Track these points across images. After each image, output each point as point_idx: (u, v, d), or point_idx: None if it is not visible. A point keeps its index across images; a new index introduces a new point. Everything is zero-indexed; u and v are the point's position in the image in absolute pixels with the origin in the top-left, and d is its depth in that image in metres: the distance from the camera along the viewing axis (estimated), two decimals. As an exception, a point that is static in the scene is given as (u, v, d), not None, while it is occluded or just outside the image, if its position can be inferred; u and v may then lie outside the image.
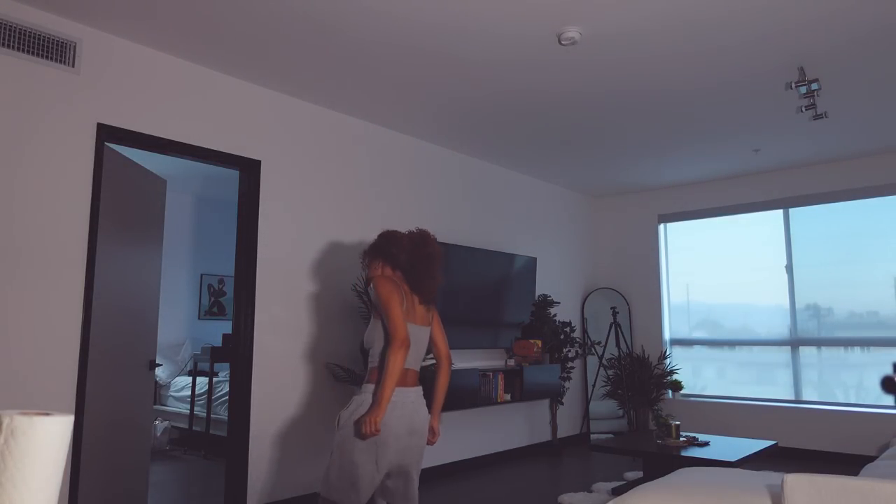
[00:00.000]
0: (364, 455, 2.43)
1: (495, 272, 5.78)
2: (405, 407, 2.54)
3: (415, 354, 2.64)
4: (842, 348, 5.97)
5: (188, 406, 6.18)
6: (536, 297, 6.29)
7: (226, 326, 7.36)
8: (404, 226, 5.13)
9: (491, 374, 5.42)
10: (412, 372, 2.63)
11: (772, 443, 4.41)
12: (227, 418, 4.53)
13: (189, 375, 6.47)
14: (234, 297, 4.15)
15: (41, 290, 3.20)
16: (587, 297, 7.20)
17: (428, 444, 2.71)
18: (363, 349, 3.87)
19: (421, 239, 2.76)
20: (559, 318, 6.70)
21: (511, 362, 5.90)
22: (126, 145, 3.64)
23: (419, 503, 4.33)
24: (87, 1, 3.18)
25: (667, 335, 7.00)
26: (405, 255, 2.71)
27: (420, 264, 2.69)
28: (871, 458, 5.46)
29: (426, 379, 4.68)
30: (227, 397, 5.59)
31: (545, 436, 6.34)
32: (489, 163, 6.08)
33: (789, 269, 6.31)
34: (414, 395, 2.60)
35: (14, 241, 3.14)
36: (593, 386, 6.91)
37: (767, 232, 6.48)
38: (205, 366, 6.03)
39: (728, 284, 6.70)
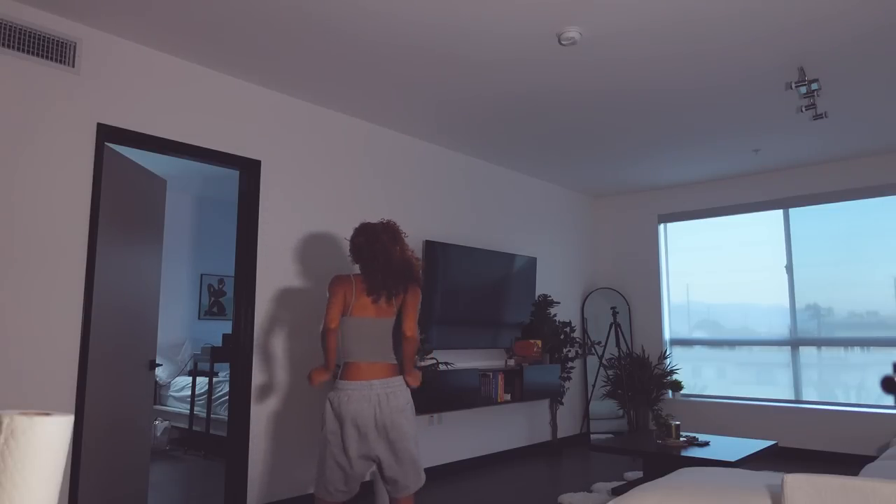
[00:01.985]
0: (331, 448, 2.65)
1: (495, 272, 5.78)
2: (369, 400, 2.63)
3: (369, 347, 2.73)
4: (842, 348, 5.97)
5: (188, 406, 6.17)
6: (536, 297, 6.29)
7: (226, 326, 7.35)
8: (405, 226, 5.11)
9: (491, 374, 5.42)
10: (375, 365, 2.72)
11: (772, 443, 4.41)
12: (227, 418, 4.53)
13: (189, 375, 6.47)
14: (234, 297, 4.14)
15: (41, 290, 3.20)
16: (587, 297, 7.20)
17: (412, 385, 2.88)
18: None
19: (370, 235, 2.87)
20: (559, 318, 6.70)
21: (511, 362, 5.90)
22: (126, 145, 3.64)
23: (419, 501, 4.34)
24: (87, 1, 3.18)
25: (667, 335, 7.00)
26: (361, 253, 2.87)
27: (373, 263, 2.82)
28: (871, 458, 5.46)
29: (425, 382, 4.69)
30: (227, 397, 5.59)
31: (545, 436, 6.34)
32: (489, 163, 6.08)
33: (789, 269, 6.30)
34: (379, 386, 2.67)
35: (14, 240, 3.14)
36: (593, 386, 6.91)
37: (767, 232, 6.48)
38: (205, 366, 6.03)
39: (728, 284, 6.70)
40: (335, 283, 2.82)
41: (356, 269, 3.10)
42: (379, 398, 2.63)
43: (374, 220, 4.86)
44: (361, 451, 2.64)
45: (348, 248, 2.98)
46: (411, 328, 2.84)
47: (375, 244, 2.79)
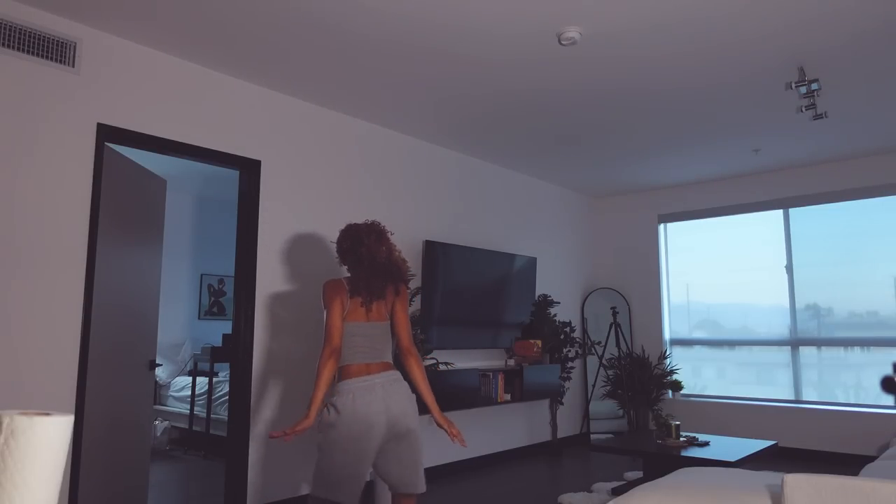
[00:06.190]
0: (342, 454, 2.50)
1: (495, 272, 5.78)
2: (373, 391, 2.55)
3: (363, 351, 2.63)
4: (842, 348, 5.97)
5: (188, 406, 6.18)
6: (536, 297, 6.29)
7: (226, 326, 7.35)
8: (404, 226, 5.13)
9: (491, 374, 5.42)
10: (372, 364, 2.63)
11: (772, 443, 4.41)
12: (227, 418, 4.53)
13: (189, 375, 6.47)
14: (234, 297, 4.15)
15: (41, 291, 3.20)
16: (587, 297, 7.20)
17: (455, 438, 2.67)
18: None
19: (354, 238, 2.76)
20: (559, 318, 6.70)
21: (511, 362, 5.90)
22: (126, 145, 3.64)
23: (420, 501, 4.34)
24: (87, 1, 3.18)
25: (667, 335, 7.00)
26: (347, 256, 2.78)
27: (358, 266, 2.72)
28: (871, 458, 5.45)
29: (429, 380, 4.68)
30: (227, 397, 5.58)
31: (545, 436, 6.34)
32: (489, 163, 6.08)
33: (789, 269, 6.30)
34: (383, 378, 2.59)
35: (14, 241, 3.14)
36: (593, 386, 6.91)
37: (767, 232, 6.48)
38: (205, 366, 6.03)
39: (728, 284, 6.69)
40: (330, 291, 2.67)
41: (345, 271, 3.03)
42: (384, 387, 2.56)
43: (374, 218, 4.88)
44: (371, 449, 2.54)
45: (335, 251, 2.89)
46: (407, 337, 2.73)
47: (360, 247, 2.71)
